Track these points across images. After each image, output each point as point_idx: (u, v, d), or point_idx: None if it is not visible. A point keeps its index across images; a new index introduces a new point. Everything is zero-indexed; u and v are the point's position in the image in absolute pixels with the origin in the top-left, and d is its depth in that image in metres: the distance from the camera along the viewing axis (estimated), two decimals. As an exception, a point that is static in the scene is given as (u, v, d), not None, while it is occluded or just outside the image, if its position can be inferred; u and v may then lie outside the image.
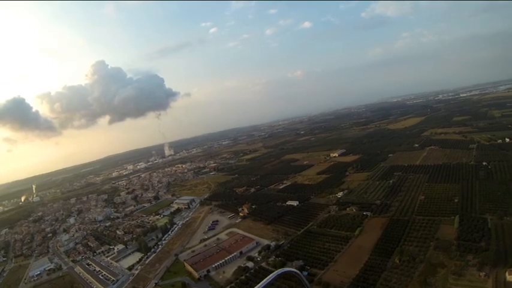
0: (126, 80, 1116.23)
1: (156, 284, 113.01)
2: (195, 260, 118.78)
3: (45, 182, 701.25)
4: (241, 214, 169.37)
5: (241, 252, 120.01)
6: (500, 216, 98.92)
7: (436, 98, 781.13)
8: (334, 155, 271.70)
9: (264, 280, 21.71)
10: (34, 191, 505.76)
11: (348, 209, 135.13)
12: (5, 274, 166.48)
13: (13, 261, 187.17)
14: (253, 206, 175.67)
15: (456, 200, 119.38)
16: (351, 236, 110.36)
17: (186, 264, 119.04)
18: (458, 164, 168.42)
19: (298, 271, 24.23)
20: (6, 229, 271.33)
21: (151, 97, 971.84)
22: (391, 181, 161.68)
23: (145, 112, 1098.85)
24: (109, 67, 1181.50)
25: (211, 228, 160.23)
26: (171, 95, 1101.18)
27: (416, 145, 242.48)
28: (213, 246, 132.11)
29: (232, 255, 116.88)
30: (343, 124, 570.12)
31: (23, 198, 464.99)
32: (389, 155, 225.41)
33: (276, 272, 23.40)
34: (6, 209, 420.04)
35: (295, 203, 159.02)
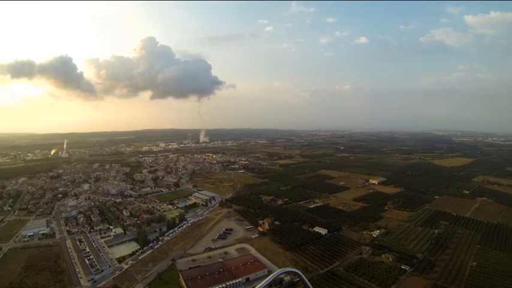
0: (174, 60, 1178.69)
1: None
2: (191, 274, 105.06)
3: (78, 140, 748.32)
4: (260, 228, 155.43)
5: (247, 279, 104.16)
6: None
7: (486, 141, 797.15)
8: (373, 181, 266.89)
9: (266, 280, 20.15)
10: (64, 147, 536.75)
11: (383, 255, 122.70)
12: (1, 225, 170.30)
13: (16, 213, 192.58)
14: (276, 222, 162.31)
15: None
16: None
17: (180, 275, 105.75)
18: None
19: (299, 271, 21.67)
20: (25, 178, 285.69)
21: (195, 81, 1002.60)
22: (436, 231, 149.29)
23: (188, 94, 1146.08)
24: (158, 44, 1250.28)
25: (222, 237, 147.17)
26: (216, 83, 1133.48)
27: (466, 192, 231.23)
28: (217, 262, 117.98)
29: (237, 281, 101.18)
30: (385, 148, 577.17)
31: (52, 152, 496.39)
32: (435, 197, 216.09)
33: (277, 271, 21.39)
34: (34, 157, 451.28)
35: (323, 231, 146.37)
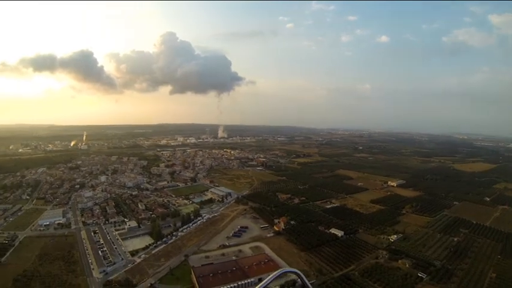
0: (193, 55, 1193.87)
1: (151, 284, 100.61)
2: (204, 271, 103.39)
3: (97, 132, 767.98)
4: (275, 227, 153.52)
5: (260, 279, 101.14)
6: None
7: (508, 146, 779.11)
8: (392, 184, 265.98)
9: (265, 280, 18.78)
10: (84, 139, 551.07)
11: (400, 261, 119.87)
12: (19, 213, 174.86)
13: (33, 202, 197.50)
14: (292, 222, 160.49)
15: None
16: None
17: (192, 272, 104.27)
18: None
19: (299, 271, 19.84)
20: (44, 168, 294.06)
21: (215, 76, 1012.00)
22: (455, 239, 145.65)
23: (207, 90, 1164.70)
24: (178, 40, 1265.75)
25: (236, 235, 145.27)
26: (236, 78, 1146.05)
27: (487, 199, 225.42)
28: (230, 260, 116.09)
29: (249, 280, 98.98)
30: (404, 150, 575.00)
31: (72, 143, 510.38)
32: (455, 203, 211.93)
33: (277, 271, 19.95)
34: (55, 148, 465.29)
35: (339, 233, 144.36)
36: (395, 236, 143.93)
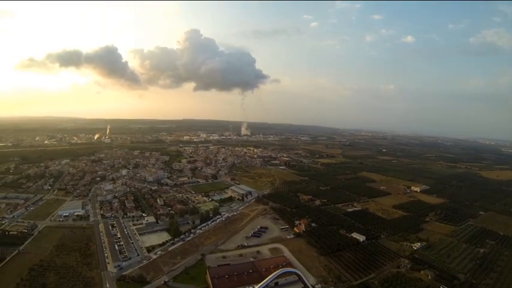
0: (218, 52, 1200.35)
1: (165, 282, 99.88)
2: (219, 272, 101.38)
3: (121, 127, 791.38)
4: (296, 229, 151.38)
5: (276, 284, 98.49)
6: None
7: None
8: (415, 189, 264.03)
9: (266, 280, 8.53)
10: (107, 133, 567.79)
11: (422, 272, 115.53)
12: (40, 203, 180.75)
13: (55, 192, 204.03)
14: (313, 224, 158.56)
15: None
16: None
17: (208, 272, 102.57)
18: None
19: (298, 271, 7.36)
20: (68, 160, 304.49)
21: (239, 73, 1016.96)
22: (481, 250, 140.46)
23: (231, 87, 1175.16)
24: (202, 37, 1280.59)
25: (256, 235, 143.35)
26: (260, 76, 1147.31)
27: None
28: (248, 262, 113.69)
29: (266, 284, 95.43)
30: (429, 154, 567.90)
31: (96, 136, 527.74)
32: (481, 212, 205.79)
33: (277, 272, 7.42)
34: (79, 141, 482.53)
35: (361, 238, 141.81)
36: (418, 244, 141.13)
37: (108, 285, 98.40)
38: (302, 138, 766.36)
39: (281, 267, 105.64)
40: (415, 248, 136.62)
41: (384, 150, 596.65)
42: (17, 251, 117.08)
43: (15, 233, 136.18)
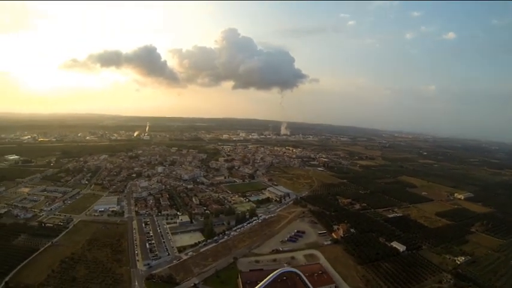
0: (256, 51, 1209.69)
1: (195, 284, 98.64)
2: (251, 277, 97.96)
3: (160, 124, 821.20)
4: (334, 235, 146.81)
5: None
6: None
7: None
8: (459, 196, 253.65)
9: (266, 279, 8.42)
10: (147, 130, 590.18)
11: None
12: (77, 197, 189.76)
13: (92, 187, 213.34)
14: (352, 230, 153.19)
15: None
16: None
17: (239, 276, 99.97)
18: None
19: (299, 271, 7.60)
20: (106, 155, 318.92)
21: (278, 73, 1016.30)
22: None
23: (270, 86, 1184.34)
24: (240, 36, 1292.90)
25: (292, 240, 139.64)
26: (299, 76, 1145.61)
27: None
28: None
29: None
30: (472, 159, 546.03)
31: (135, 133, 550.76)
32: None
33: (277, 271, 7.45)
34: (119, 137, 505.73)
35: (401, 248, 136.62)
36: (462, 258, 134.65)
37: (137, 284, 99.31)
38: (341, 139, 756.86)
39: (316, 276, 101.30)
40: (459, 263, 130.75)
41: (425, 153, 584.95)
42: (50, 242, 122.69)
43: (51, 225, 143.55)
